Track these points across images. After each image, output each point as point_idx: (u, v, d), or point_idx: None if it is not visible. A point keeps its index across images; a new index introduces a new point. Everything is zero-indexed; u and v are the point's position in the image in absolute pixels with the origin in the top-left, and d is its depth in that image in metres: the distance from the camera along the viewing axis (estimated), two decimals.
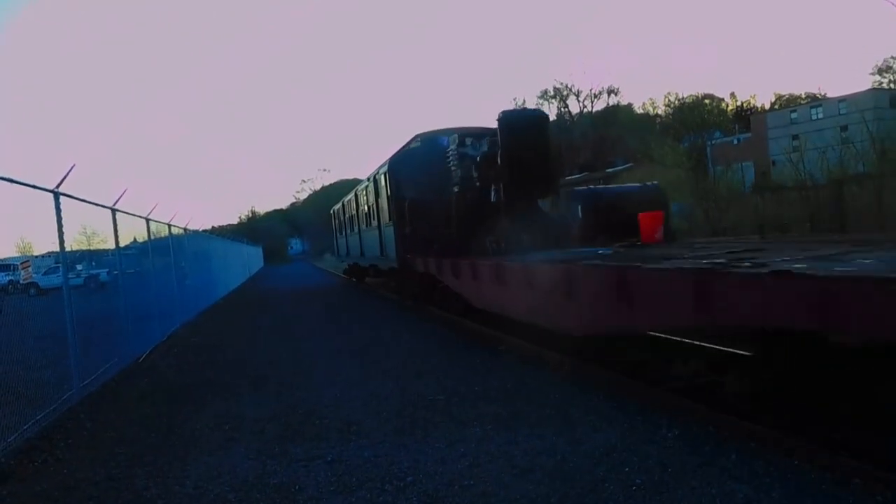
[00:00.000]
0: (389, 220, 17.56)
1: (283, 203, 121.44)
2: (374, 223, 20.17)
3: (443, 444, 5.84)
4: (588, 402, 6.70)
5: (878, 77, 68.39)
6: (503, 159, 12.85)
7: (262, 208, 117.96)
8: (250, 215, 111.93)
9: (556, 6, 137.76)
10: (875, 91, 60.88)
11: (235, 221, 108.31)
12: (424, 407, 7.10)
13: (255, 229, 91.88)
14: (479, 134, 14.19)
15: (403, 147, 17.74)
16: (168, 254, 16.87)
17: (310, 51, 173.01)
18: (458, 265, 12.00)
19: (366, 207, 22.04)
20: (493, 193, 13.12)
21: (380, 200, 19.12)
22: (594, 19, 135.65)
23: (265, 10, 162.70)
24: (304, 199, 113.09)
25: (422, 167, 16.00)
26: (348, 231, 28.05)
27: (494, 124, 13.61)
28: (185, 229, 20.37)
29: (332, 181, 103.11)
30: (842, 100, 61.96)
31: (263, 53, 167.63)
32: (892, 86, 58.38)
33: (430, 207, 15.16)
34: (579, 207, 12.75)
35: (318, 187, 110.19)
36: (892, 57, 42.48)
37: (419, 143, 17.21)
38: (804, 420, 5.47)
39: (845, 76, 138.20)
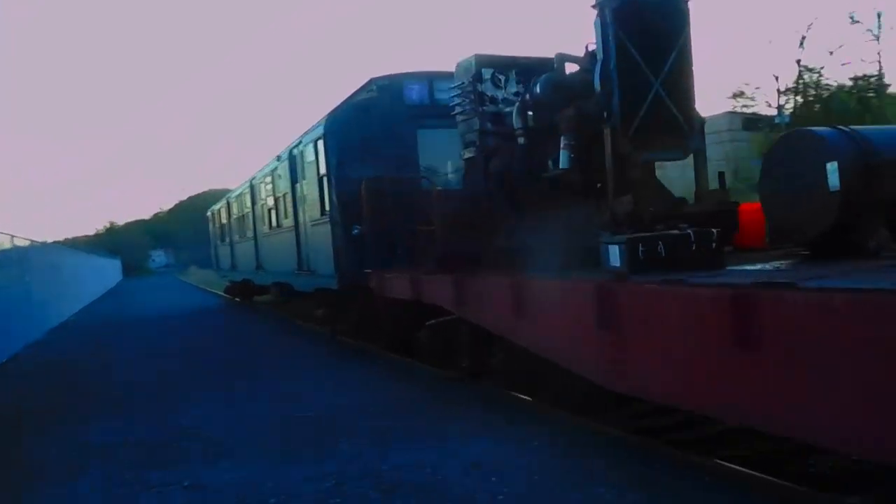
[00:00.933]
0: (322, 214, 11.87)
1: (146, 213, 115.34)
2: (289, 223, 14.23)
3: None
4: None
5: (734, 101, 74.19)
6: (608, 81, 6.24)
7: (123, 219, 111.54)
8: (108, 225, 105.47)
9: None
10: (730, 114, 65.97)
11: (92, 232, 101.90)
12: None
13: (114, 241, 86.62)
14: (506, 63, 8.17)
15: (348, 99, 11.83)
16: (10, 267, 15.61)
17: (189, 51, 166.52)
18: (570, 294, 5.66)
19: (270, 201, 16.03)
20: (564, 155, 6.55)
21: (301, 186, 13.20)
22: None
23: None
24: (169, 210, 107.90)
25: (383, 130, 10.89)
26: (236, 237, 21.91)
27: None
28: (31, 241, 18.91)
29: (200, 190, 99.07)
30: None
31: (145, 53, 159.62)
32: (744, 109, 63.87)
33: (401, 193, 10.02)
34: (833, 169, 4.86)
35: (185, 197, 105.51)
36: (745, 83, 47.25)
37: (376, 93, 11.33)
38: None
39: (714, 100, 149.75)
